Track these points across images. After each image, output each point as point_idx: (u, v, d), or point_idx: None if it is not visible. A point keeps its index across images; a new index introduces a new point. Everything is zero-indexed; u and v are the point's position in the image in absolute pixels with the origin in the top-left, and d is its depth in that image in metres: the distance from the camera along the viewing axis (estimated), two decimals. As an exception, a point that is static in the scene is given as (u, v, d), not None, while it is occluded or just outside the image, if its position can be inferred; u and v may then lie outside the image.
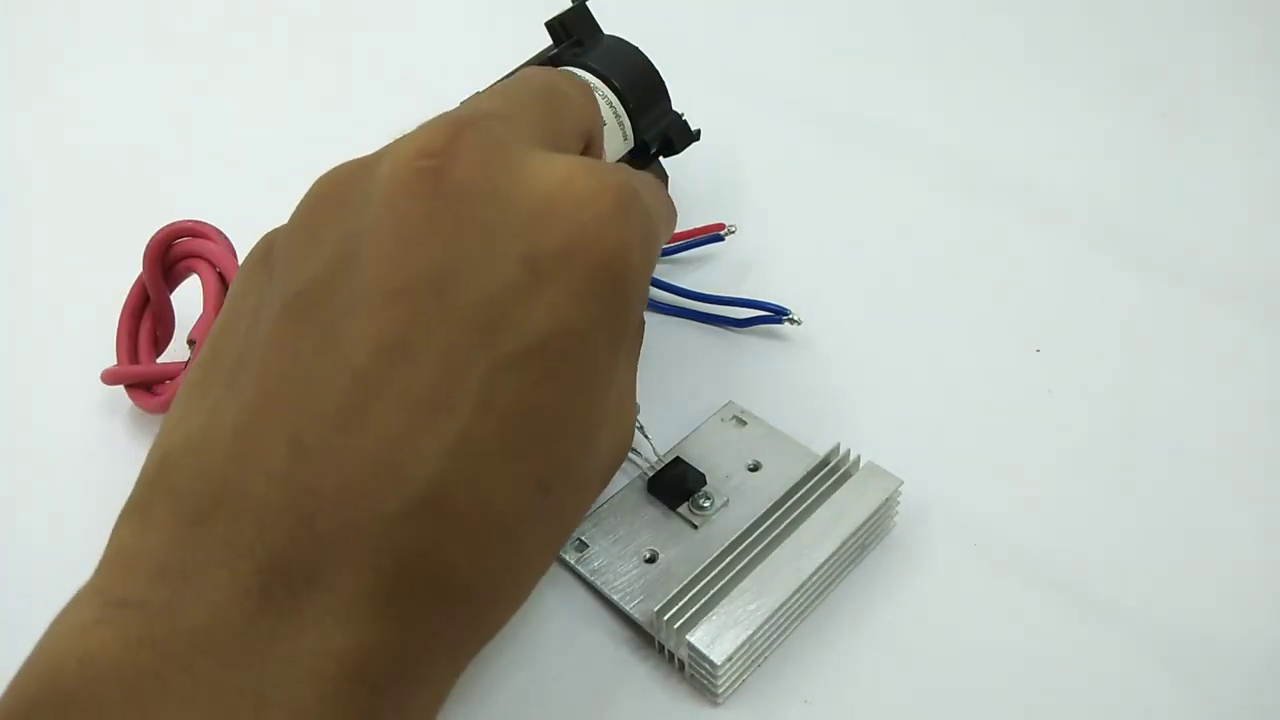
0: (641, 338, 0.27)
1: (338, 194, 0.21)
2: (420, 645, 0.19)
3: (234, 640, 0.17)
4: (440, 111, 0.27)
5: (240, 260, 0.25)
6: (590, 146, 0.26)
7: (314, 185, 0.22)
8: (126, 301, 0.33)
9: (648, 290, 0.23)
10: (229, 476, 0.19)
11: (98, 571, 0.19)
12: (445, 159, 0.20)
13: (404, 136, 0.22)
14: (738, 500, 0.29)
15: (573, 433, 0.21)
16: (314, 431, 0.19)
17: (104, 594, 0.18)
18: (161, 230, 0.32)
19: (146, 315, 0.33)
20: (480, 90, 0.34)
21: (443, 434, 0.19)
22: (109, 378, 0.32)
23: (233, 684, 0.17)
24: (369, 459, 0.18)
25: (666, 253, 0.37)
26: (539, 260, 0.20)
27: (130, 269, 0.33)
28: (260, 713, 0.17)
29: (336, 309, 0.20)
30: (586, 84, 0.27)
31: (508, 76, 0.35)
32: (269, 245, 0.23)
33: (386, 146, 0.22)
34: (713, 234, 0.37)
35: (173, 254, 0.32)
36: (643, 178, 0.25)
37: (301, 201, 0.22)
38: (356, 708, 0.18)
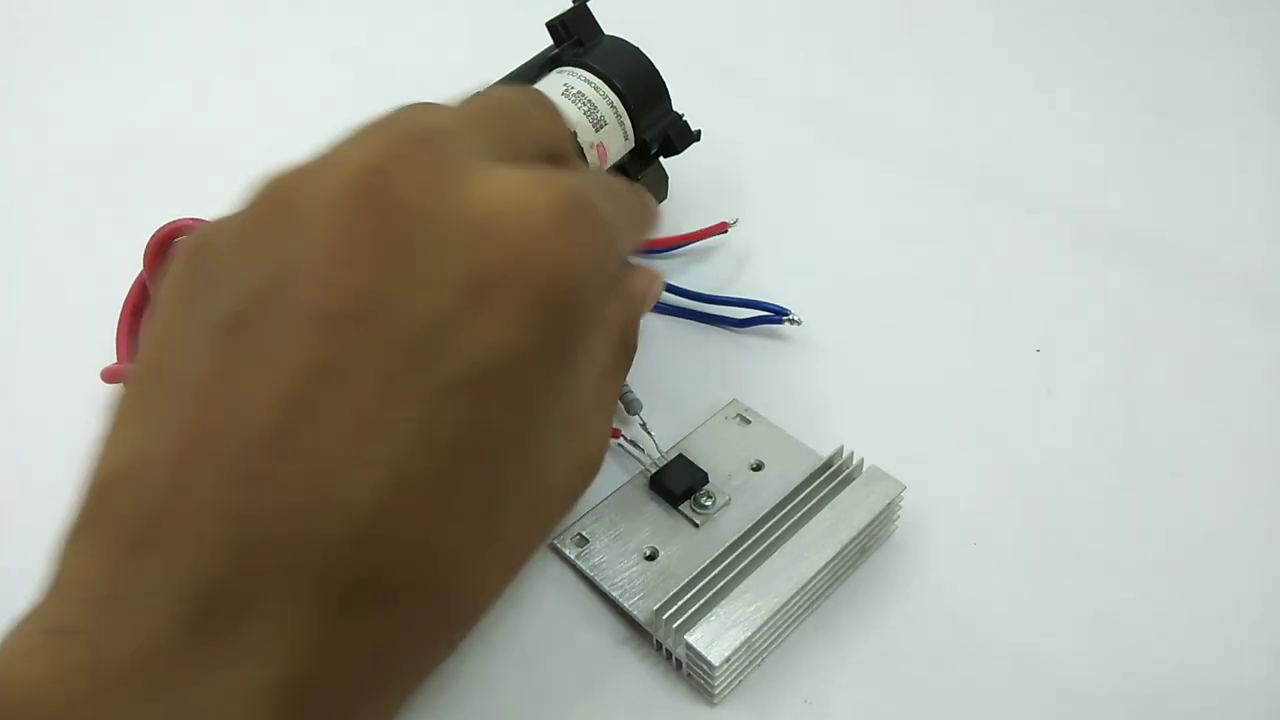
0: (629, 359, 0.27)
1: (284, 200, 0.20)
2: (360, 672, 0.19)
3: (167, 669, 0.17)
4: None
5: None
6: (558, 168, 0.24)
7: (260, 187, 0.21)
8: (126, 301, 0.33)
9: (604, 302, 0.22)
10: (166, 504, 0.18)
11: (44, 596, 0.19)
12: (384, 176, 0.19)
13: (347, 143, 0.21)
14: (740, 500, 0.29)
15: (515, 458, 0.21)
16: (248, 458, 0.18)
17: (42, 622, 0.18)
18: (161, 229, 0.32)
19: (146, 314, 0.33)
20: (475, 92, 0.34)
21: (377, 461, 0.18)
22: (109, 377, 0.32)
23: (163, 713, 0.17)
24: (302, 486, 0.18)
25: (666, 250, 0.37)
26: (479, 282, 0.19)
27: (130, 269, 0.33)
28: None
29: (270, 329, 0.19)
30: (551, 103, 0.25)
31: (504, 79, 0.35)
32: (203, 245, 0.21)
33: (333, 150, 0.21)
34: (715, 232, 0.37)
35: (172, 253, 0.32)
36: (600, 181, 0.24)
37: (248, 205, 0.21)
38: None
